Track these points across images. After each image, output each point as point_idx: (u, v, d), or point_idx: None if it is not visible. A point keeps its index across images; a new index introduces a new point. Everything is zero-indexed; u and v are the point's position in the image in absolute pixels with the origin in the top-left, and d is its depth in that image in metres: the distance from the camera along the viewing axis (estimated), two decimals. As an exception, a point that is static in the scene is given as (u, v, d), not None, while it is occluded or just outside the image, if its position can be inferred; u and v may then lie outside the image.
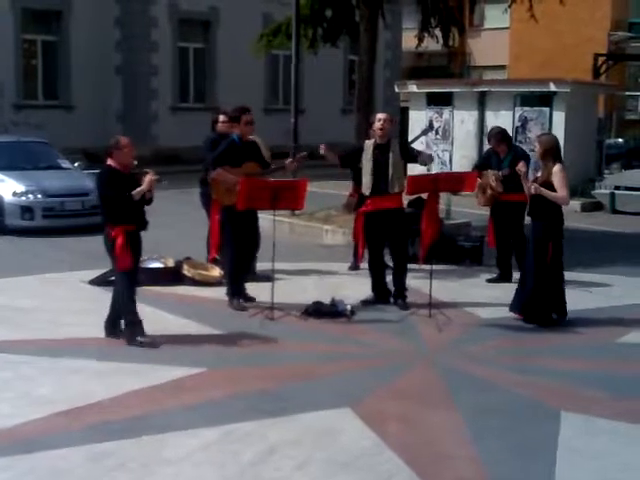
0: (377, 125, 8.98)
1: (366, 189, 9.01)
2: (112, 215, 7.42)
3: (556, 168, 8.29)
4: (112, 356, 7.18)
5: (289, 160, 8.87)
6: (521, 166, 8.58)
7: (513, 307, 8.64)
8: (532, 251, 8.48)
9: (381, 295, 9.19)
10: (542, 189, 8.27)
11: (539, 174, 8.47)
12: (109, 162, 7.47)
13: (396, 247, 9.15)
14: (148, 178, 7.41)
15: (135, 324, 7.50)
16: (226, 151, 8.90)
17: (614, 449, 5.54)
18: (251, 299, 8.96)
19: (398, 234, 9.08)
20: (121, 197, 7.33)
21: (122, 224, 7.37)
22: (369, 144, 9.09)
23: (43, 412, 5.89)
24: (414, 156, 9.14)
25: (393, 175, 8.86)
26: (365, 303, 9.09)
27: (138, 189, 7.37)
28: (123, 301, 7.52)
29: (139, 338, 7.46)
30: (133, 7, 25.28)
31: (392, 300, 9.17)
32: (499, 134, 10.41)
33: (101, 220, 7.63)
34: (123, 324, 7.61)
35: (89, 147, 21.81)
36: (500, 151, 10.29)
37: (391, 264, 9.29)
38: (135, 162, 7.61)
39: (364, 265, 9.75)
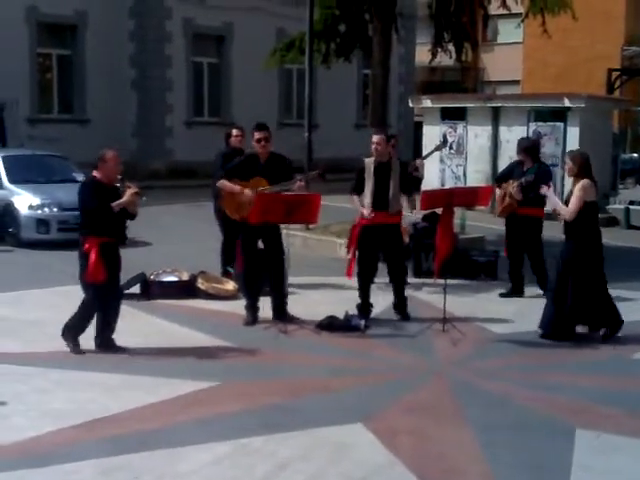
0: (372, 146, 9.12)
1: (367, 207, 9.07)
2: (89, 226, 7.50)
3: (579, 184, 8.26)
4: (124, 369, 7.19)
5: (298, 180, 8.83)
6: (545, 190, 8.65)
7: (543, 326, 8.51)
8: (568, 271, 8.30)
9: (365, 309, 9.17)
10: (552, 197, 8.48)
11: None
12: (94, 174, 7.57)
13: (394, 262, 9.24)
14: (129, 192, 7.45)
15: (77, 333, 7.60)
16: (242, 163, 8.96)
17: (628, 466, 5.50)
18: (295, 319, 8.78)
19: (395, 249, 9.18)
20: (100, 208, 7.39)
21: (97, 236, 7.42)
22: (369, 162, 9.17)
23: (56, 425, 5.90)
24: (407, 188, 9.21)
25: (393, 196, 9.00)
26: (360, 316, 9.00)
27: (118, 201, 7.43)
28: (83, 310, 7.59)
29: (70, 344, 7.58)
30: (148, 22, 25.41)
31: (394, 312, 9.28)
32: (524, 143, 10.45)
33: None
34: (67, 327, 7.66)
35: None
36: (525, 163, 10.26)
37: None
38: (119, 176, 7.63)
39: (379, 279, 9.69)
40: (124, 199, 7.46)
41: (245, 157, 9.12)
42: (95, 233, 7.44)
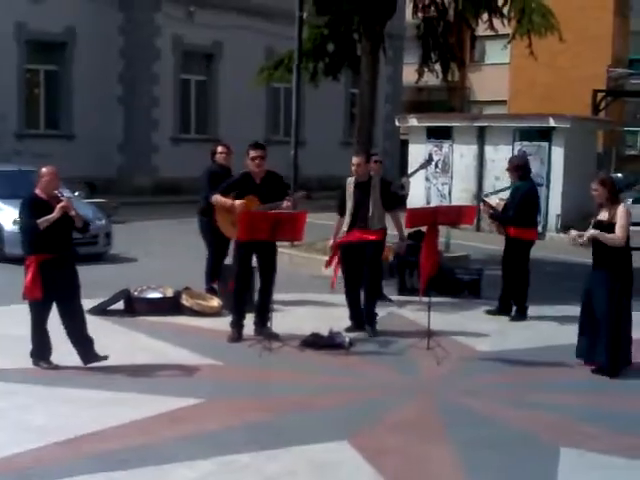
0: (352, 168, 9.24)
1: (345, 226, 9.24)
2: (26, 244, 7.53)
3: (622, 208, 7.91)
4: (108, 385, 7.16)
5: (286, 201, 8.89)
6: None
7: (582, 354, 8.17)
8: (605, 301, 7.93)
9: (359, 323, 9.33)
10: (598, 234, 7.85)
11: (600, 216, 8.00)
12: (36, 190, 7.59)
13: (368, 275, 9.27)
14: (57, 207, 7.42)
15: (39, 352, 7.61)
16: (237, 182, 8.99)
17: (612, 485, 5.52)
18: (274, 336, 8.69)
19: (371, 263, 9.23)
20: (28, 225, 7.41)
21: (36, 253, 7.42)
22: (350, 181, 9.30)
23: (39, 442, 5.86)
24: (389, 205, 9.29)
25: (374, 213, 9.12)
26: (348, 330, 9.18)
27: (45, 217, 7.36)
28: (32, 329, 7.59)
29: (42, 364, 7.59)
30: (136, 39, 25.47)
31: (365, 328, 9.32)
32: (510, 161, 10.56)
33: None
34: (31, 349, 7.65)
35: (89, 177, 21.87)
36: (513, 179, 10.39)
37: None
38: (55, 191, 7.59)
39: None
40: (53, 214, 7.39)
41: (240, 176, 9.12)
42: (34, 250, 7.45)
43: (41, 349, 7.64)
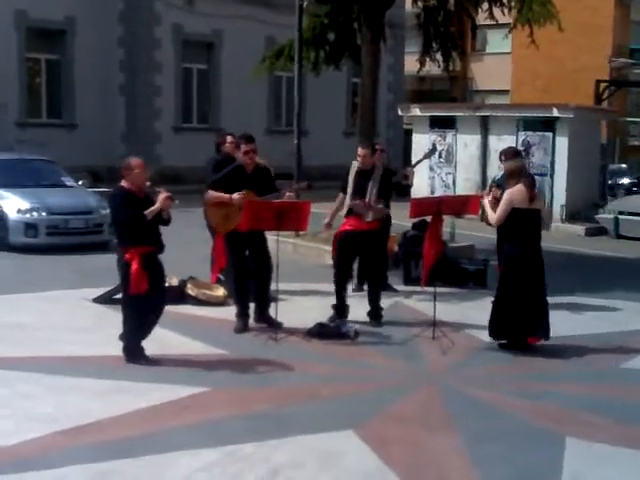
0: (358, 159, 9.32)
1: (344, 209, 9.32)
2: (126, 237, 7.32)
3: (508, 190, 8.27)
4: (113, 374, 7.15)
5: (287, 191, 8.86)
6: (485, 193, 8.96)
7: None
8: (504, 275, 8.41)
9: (342, 311, 9.20)
10: (486, 204, 8.55)
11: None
12: (122, 183, 7.43)
13: (370, 269, 9.31)
14: (161, 196, 7.35)
15: (136, 348, 7.47)
16: (228, 175, 8.92)
17: (617, 476, 5.50)
18: (277, 324, 8.69)
19: (371, 256, 9.25)
20: (134, 218, 7.25)
21: (136, 246, 7.27)
22: (354, 165, 9.37)
23: (42, 430, 5.85)
24: (385, 195, 9.43)
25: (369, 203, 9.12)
26: (331, 320, 9.03)
27: (151, 208, 7.29)
28: (130, 325, 7.46)
29: (143, 362, 7.45)
30: (137, 28, 25.36)
31: (368, 319, 9.33)
32: (501, 153, 10.56)
33: (116, 242, 7.54)
34: (122, 345, 7.52)
35: (92, 166, 21.83)
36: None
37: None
38: (148, 183, 7.54)
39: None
40: (157, 205, 7.31)
41: (231, 169, 9.02)
42: (134, 243, 7.26)
43: (139, 347, 7.47)
